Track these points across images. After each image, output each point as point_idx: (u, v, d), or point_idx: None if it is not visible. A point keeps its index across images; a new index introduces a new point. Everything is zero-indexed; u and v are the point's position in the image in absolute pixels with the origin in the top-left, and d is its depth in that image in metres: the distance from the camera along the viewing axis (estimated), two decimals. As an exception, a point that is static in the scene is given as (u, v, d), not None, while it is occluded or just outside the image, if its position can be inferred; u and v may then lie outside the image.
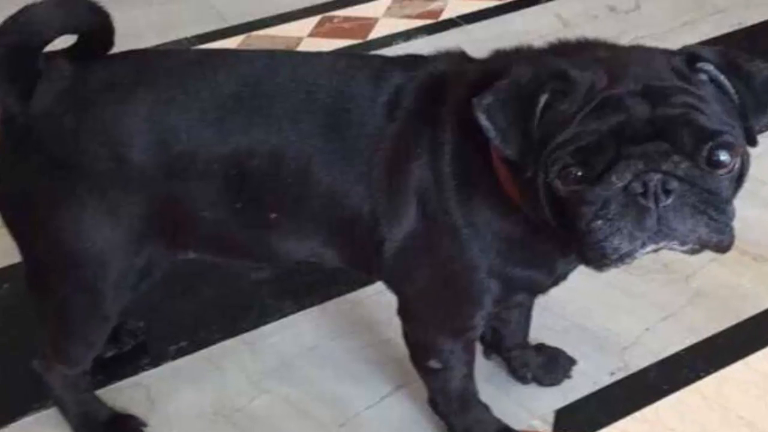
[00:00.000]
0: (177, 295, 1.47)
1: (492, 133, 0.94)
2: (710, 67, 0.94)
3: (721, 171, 0.91)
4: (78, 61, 1.06)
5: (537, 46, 1.04)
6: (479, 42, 1.19)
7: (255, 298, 1.49)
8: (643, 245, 0.91)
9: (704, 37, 2.07)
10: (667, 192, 0.89)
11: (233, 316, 1.45)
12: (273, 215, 1.07)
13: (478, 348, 1.27)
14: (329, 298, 1.48)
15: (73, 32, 1.06)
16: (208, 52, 1.27)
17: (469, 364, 1.19)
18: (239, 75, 1.06)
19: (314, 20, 2.21)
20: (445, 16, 2.20)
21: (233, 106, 1.04)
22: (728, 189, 0.93)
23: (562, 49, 1.01)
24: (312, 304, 1.47)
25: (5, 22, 1.02)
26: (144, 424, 1.30)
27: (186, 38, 2.14)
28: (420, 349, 1.18)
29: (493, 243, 1.04)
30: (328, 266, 1.16)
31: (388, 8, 2.22)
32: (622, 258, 0.92)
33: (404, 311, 1.15)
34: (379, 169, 1.04)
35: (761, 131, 0.97)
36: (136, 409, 1.32)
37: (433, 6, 2.24)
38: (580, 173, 0.91)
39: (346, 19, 2.21)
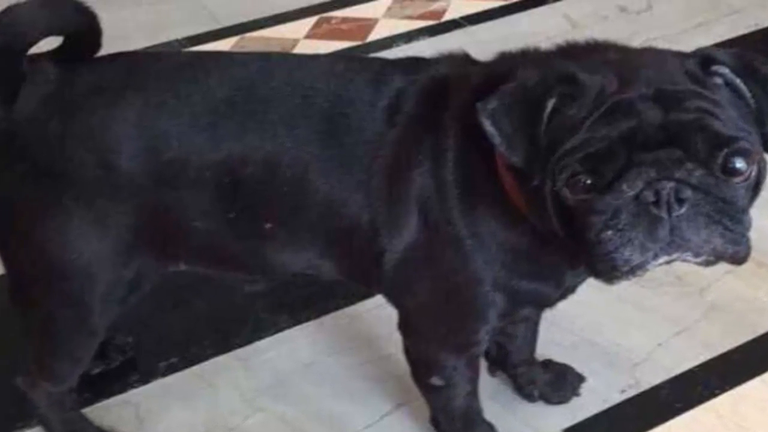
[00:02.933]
0: (167, 309, 1.46)
1: (497, 140, 0.92)
2: (725, 70, 0.93)
3: (737, 179, 0.90)
4: (64, 64, 1.05)
5: (544, 48, 1.03)
6: (483, 44, 1.18)
7: (249, 312, 1.46)
8: (655, 257, 0.90)
9: (719, 39, 2.03)
10: (681, 201, 0.88)
11: (226, 330, 1.44)
12: (268, 225, 1.06)
13: (483, 364, 1.25)
14: (327, 312, 1.46)
15: (58, 34, 1.04)
16: (200, 55, 1.26)
17: (473, 381, 1.18)
18: (232, 78, 1.05)
19: (311, 21, 2.17)
20: (447, 16, 2.17)
21: (226, 111, 1.02)
22: (744, 198, 0.91)
23: (570, 52, 0.99)
24: (308, 319, 1.45)
25: (-13, 23, 1.01)
26: (133, 444, 1.29)
27: (177, 40, 2.11)
28: (422, 365, 1.16)
29: (498, 254, 1.02)
30: (325, 279, 1.15)
31: (389, 8, 2.20)
32: (634, 270, 0.90)
33: (405, 326, 1.13)
34: (378, 177, 1.02)
35: (780, 137, 0.95)
36: (125, 428, 1.30)
37: (435, 6, 2.21)
38: (589, 181, 0.89)
39: (345, 19, 2.18)
